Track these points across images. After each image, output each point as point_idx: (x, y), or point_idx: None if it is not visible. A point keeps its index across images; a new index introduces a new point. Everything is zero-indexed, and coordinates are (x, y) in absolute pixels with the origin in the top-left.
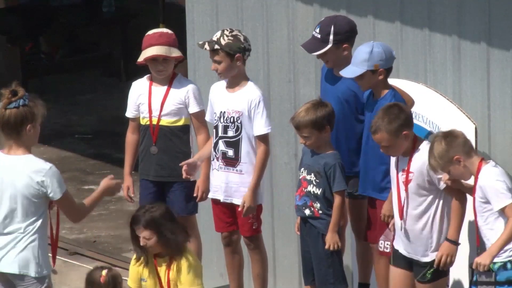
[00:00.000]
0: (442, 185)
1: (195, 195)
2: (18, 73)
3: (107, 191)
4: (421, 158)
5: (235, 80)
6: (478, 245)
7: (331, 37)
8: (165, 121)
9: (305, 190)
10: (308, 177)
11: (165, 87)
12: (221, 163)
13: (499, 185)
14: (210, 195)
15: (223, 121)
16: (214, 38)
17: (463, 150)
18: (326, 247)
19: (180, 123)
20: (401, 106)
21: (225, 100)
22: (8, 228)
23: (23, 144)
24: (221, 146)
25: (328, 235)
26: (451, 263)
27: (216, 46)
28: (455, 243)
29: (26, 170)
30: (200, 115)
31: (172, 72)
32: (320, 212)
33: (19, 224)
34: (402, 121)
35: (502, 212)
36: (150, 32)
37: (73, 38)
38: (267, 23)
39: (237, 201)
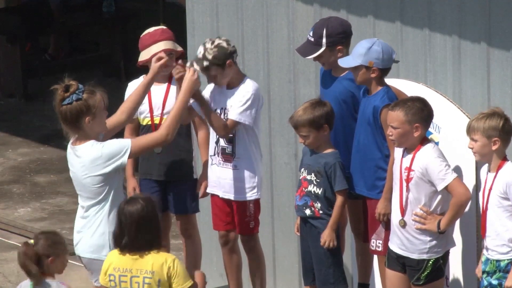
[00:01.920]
0: (441, 187)
1: (197, 191)
2: (18, 73)
3: (192, 87)
4: (423, 157)
5: (231, 80)
6: (483, 236)
7: (324, 40)
8: None
9: (306, 190)
10: (308, 177)
11: (165, 85)
12: (221, 159)
13: None
14: (209, 190)
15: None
16: (200, 55)
17: (506, 139)
18: (322, 243)
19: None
20: (428, 104)
21: (225, 97)
22: (84, 213)
23: (85, 134)
24: (222, 142)
25: (326, 232)
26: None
27: (205, 63)
28: (440, 231)
29: (84, 159)
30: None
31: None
32: (321, 212)
33: (90, 209)
34: (423, 114)
35: None
36: (151, 29)
37: (73, 38)
38: (267, 23)
39: (236, 196)
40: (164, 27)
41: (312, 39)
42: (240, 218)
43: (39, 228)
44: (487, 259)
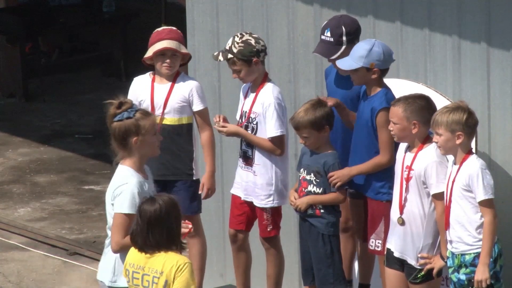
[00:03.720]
0: (432, 192)
1: (200, 192)
2: (18, 73)
3: None
4: (423, 158)
5: (255, 81)
6: (446, 228)
7: (344, 38)
8: (168, 120)
9: (306, 190)
10: (308, 177)
11: (169, 84)
12: (242, 162)
13: (488, 177)
14: (232, 190)
15: (244, 121)
16: (227, 47)
17: (470, 133)
18: (293, 204)
19: (184, 121)
20: (431, 103)
21: (247, 100)
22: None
23: (133, 156)
24: (243, 145)
25: (301, 200)
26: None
27: (230, 55)
28: (444, 260)
29: (113, 181)
30: (204, 113)
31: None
32: (322, 211)
33: (108, 231)
34: (423, 112)
35: (480, 204)
36: (159, 28)
37: (73, 38)
38: (267, 23)
39: (256, 201)
40: (174, 28)
41: (332, 39)
42: (259, 220)
43: (39, 228)
44: (453, 254)
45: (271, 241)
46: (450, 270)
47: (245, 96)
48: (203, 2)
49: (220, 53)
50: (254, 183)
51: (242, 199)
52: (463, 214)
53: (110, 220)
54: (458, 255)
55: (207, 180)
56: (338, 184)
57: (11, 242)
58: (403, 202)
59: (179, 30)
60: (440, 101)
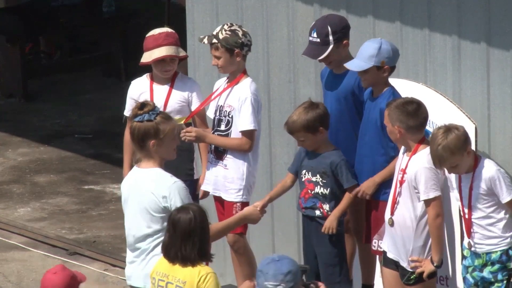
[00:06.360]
0: (422, 198)
1: (197, 192)
2: (18, 73)
3: (247, 219)
4: (416, 162)
5: (233, 75)
6: (469, 236)
7: (331, 37)
8: None
9: (312, 192)
10: (313, 179)
11: (168, 86)
12: (213, 156)
13: (506, 175)
14: (202, 187)
15: (218, 115)
16: (214, 33)
17: (469, 142)
18: (322, 229)
19: (183, 121)
20: (420, 111)
21: (223, 94)
22: (137, 243)
23: (151, 158)
24: None
25: (329, 219)
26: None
27: (214, 40)
28: (436, 266)
29: (150, 184)
30: (203, 113)
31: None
32: (329, 213)
33: (145, 238)
34: (406, 118)
35: (507, 205)
36: (155, 32)
37: (73, 38)
38: (267, 23)
39: (225, 196)
40: (170, 30)
41: (318, 40)
42: (227, 217)
43: (39, 228)
44: (474, 254)
45: (240, 240)
46: (470, 269)
47: (221, 91)
48: (203, 2)
49: (207, 37)
50: (224, 177)
51: (210, 193)
52: (487, 217)
53: (144, 226)
54: (483, 254)
55: (203, 180)
56: (368, 197)
57: (11, 242)
58: (395, 204)
59: (174, 31)
60: (440, 101)
